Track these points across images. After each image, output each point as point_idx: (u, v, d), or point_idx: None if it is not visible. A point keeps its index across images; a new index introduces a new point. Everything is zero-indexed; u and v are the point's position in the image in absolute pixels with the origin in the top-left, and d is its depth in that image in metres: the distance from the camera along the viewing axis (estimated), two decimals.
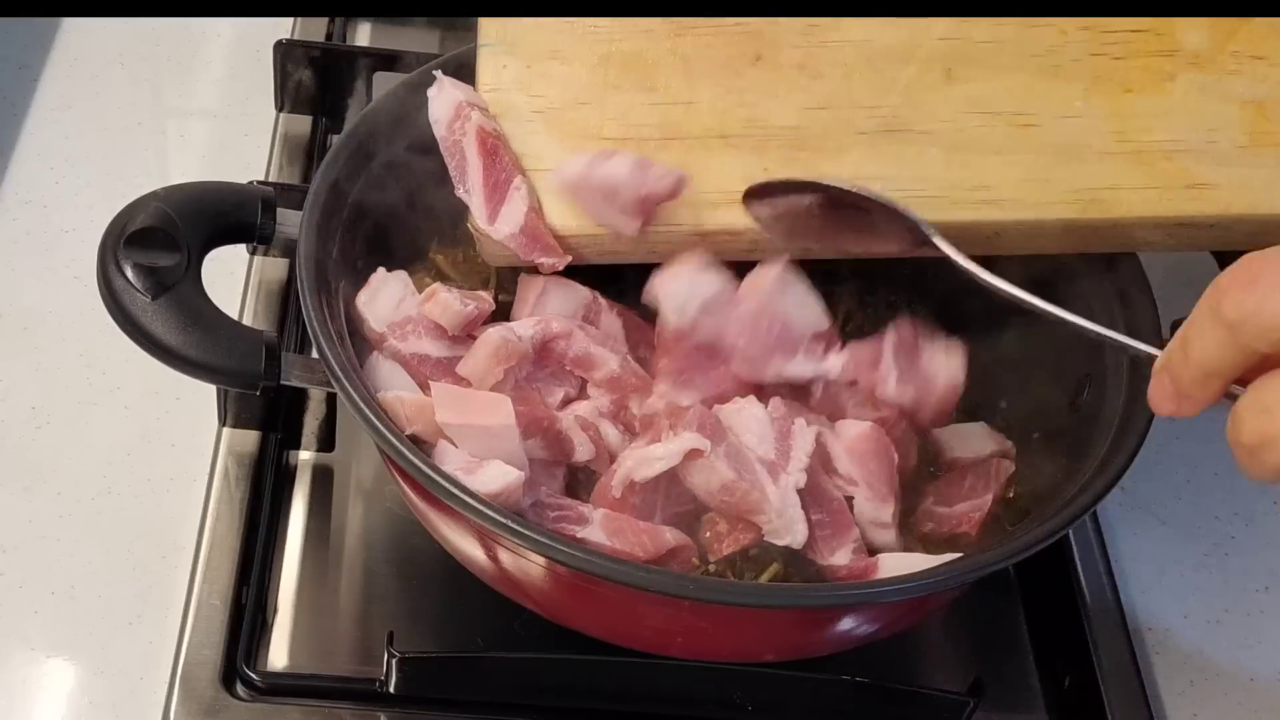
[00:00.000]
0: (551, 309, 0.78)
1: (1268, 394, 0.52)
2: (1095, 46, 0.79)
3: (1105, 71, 0.78)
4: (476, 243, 0.77)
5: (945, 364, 0.78)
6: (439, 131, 0.77)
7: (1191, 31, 0.79)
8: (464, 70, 0.81)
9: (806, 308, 0.77)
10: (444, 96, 0.78)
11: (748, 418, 0.74)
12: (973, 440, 0.80)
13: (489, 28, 0.79)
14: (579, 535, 0.70)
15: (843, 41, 0.79)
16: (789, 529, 0.71)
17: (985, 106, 0.77)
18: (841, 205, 0.73)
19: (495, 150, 0.76)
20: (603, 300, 0.79)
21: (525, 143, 0.77)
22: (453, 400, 0.72)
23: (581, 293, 0.79)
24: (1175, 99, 0.77)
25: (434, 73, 0.79)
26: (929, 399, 0.77)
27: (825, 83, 0.78)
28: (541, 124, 0.78)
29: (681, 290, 0.75)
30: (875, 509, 0.74)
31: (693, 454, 0.70)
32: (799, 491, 0.72)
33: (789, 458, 0.73)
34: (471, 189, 0.76)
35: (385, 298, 0.77)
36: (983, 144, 0.77)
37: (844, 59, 0.79)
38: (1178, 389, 0.57)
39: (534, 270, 0.78)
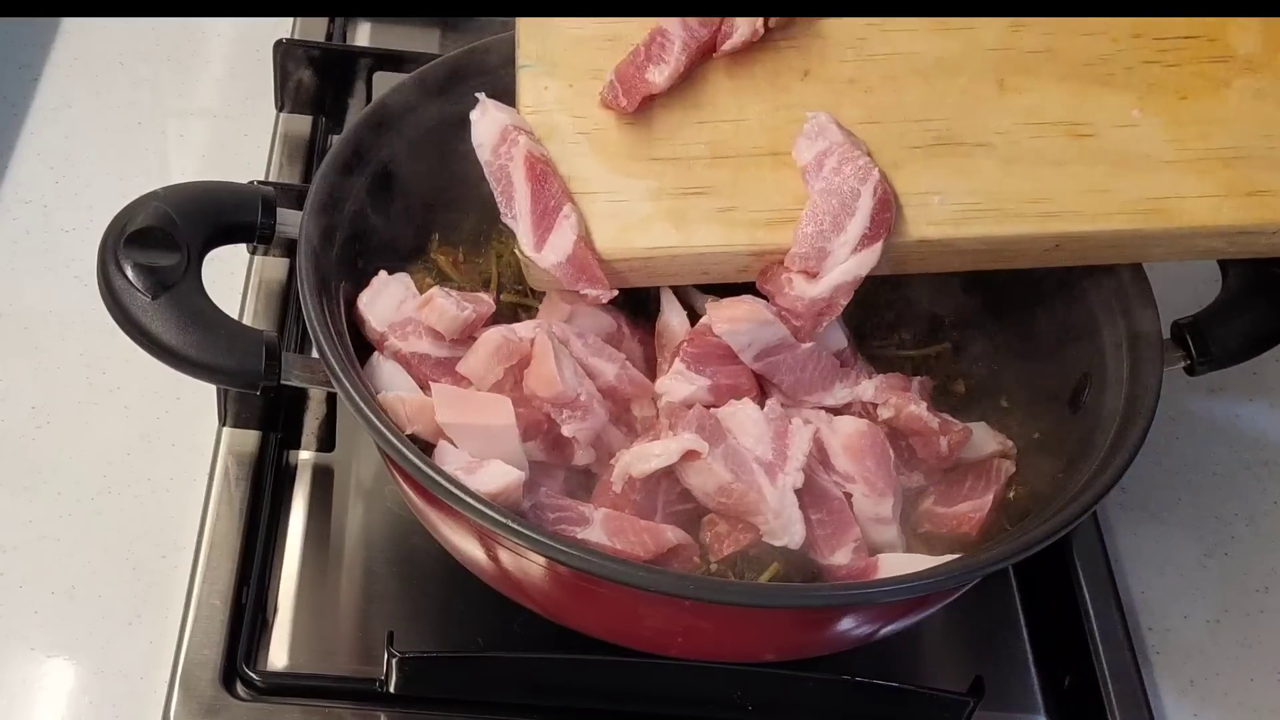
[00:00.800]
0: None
1: None
2: (1148, 54, 0.78)
3: (1159, 79, 0.77)
4: (523, 267, 0.76)
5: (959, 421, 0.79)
6: (483, 156, 0.76)
7: (1245, 36, 0.78)
8: (464, 70, 0.81)
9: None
10: (488, 120, 0.76)
11: (744, 419, 0.74)
12: (973, 440, 0.80)
13: (528, 47, 0.78)
14: (579, 536, 0.70)
15: (892, 54, 0.78)
16: (786, 530, 0.71)
17: (1040, 117, 0.77)
18: None
19: (544, 176, 0.75)
20: (626, 328, 0.80)
21: (571, 165, 0.76)
22: (453, 400, 0.71)
23: (606, 319, 0.79)
24: (1231, 105, 0.77)
25: (476, 95, 0.77)
26: (947, 430, 0.78)
27: (876, 96, 0.77)
28: (587, 145, 0.77)
29: (744, 338, 0.76)
30: (874, 505, 0.74)
31: (690, 455, 0.70)
32: (798, 491, 0.72)
33: (786, 458, 0.73)
34: (519, 215, 0.75)
35: (386, 299, 0.77)
36: (1040, 155, 0.76)
37: (894, 72, 0.78)
38: None
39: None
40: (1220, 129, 0.76)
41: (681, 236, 0.75)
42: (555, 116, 0.77)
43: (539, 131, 0.77)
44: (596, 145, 0.77)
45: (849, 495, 0.75)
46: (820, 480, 0.74)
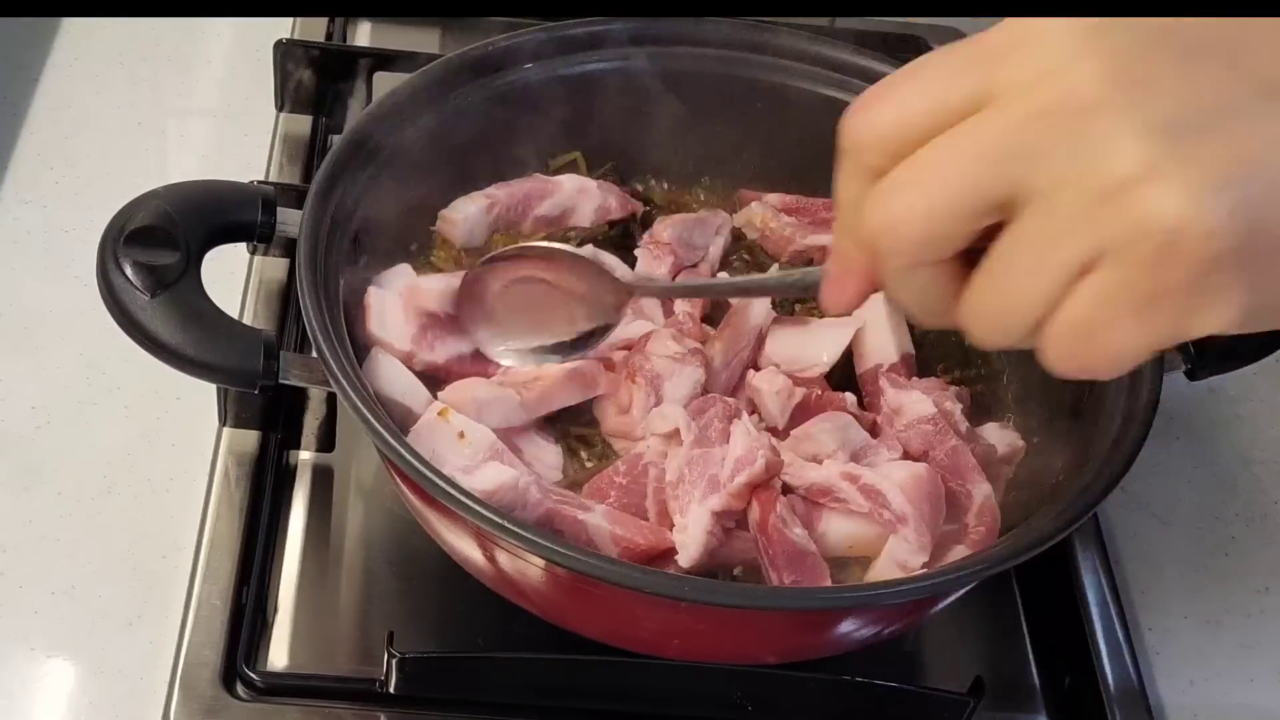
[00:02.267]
0: None
1: (882, 186, 0.48)
2: None
3: None
4: None
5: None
6: None
7: None
8: (466, 69, 0.81)
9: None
10: None
11: (740, 431, 0.74)
12: (988, 439, 0.80)
13: None
14: (580, 517, 0.71)
15: None
16: (683, 547, 0.71)
17: None
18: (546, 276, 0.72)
19: None
20: None
21: None
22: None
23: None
24: None
25: None
26: (973, 438, 0.78)
27: None
28: None
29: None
30: (909, 553, 0.71)
31: (674, 433, 0.73)
32: (774, 549, 0.70)
33: (722, 486, 0.71)
34: None
35: (391, 316, 0.77)
36: None
37: None
38: (841, 261, 0.53)
39: None
40: None
41: None
42: None
43: None
44: None
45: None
46: (795, 540, 0.70)
